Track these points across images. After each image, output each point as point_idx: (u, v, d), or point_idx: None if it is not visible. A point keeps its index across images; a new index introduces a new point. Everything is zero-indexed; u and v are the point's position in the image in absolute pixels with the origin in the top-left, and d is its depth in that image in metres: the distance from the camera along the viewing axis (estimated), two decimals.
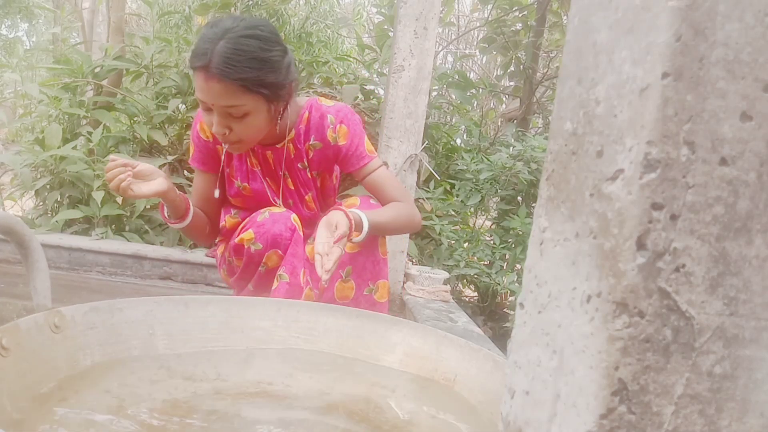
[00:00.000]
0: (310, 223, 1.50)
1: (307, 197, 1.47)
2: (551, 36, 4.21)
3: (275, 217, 1.33)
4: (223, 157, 1.42)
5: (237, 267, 1.40)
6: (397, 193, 1.39)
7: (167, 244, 2.33)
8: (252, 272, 1.38)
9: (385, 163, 1.45)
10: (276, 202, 1.45)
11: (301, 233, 1.36)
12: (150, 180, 1.24)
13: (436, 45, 2.95)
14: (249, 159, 1.42)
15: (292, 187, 1.45)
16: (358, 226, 1.24)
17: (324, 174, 1.48)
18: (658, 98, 0.34)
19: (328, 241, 1.15)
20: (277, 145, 1.40)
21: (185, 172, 2.63)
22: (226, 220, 1.52)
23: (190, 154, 1.44)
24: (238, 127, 1.23)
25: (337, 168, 1.50)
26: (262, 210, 1.37)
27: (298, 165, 1.43)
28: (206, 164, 1.42)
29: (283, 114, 1.33)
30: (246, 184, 1.44)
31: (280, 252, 1.33)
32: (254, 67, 1.18)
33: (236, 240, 1.37)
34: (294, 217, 1.36)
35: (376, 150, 2.18)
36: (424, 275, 2.02)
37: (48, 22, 9.93)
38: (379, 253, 1.40)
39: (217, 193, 1.43)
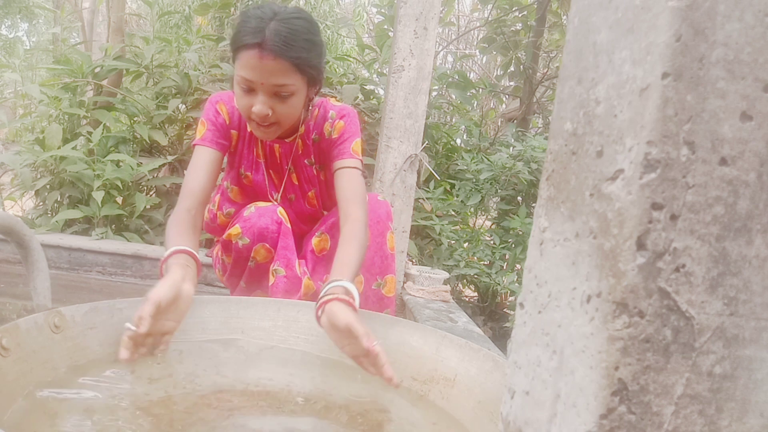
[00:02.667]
0: (310, 219, 1.51)
1: (309, 194, 1.47)
2: (551, 36, 4.21)
3: (261, 211, 1.33)
4: (234, 142, 1.42)
5: (228, 264, 1.40)
6: (355, 201, 1.29)
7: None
8: (242, 268, 1.38)
9: (364, 174, 1.41)
10: (272, 196, 1.45)
11: (288, 225, 1.35)
12: (173, 309, 0.97)
13: (436, 45, 2.95)
14: (256, 149, 1.42)
15: (296, 183, 1.45)
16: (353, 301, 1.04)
17: (326, 168, 1.48)
18: (658, 98, 0.34)
19: (357, 346, 0.93)
20: (286, 140, 1.40)
21: (185, 172, 2.63)
22: (218, 216, 1.52)
23: (200, 135, 1.36)
24: (281, 108, 1.23)
25: None
26: (248, 205, 1.37)
27: (305, 161, 1.43)
28: (218, 143, 1.37)
29: (310, 103, 1.35)
30: (249, 173, 1.44)
31: (267, 246, 1.33)
32: (306, 48, 1.20)
33: (224, 236, 1.37)
34: (280, 210, 1.35)
35: (375, 150, 2.19)
36: (424, 275, 2.02)
37: (48, 22, 9.93)
38: (387, 248, 1.41)
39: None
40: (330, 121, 1.38)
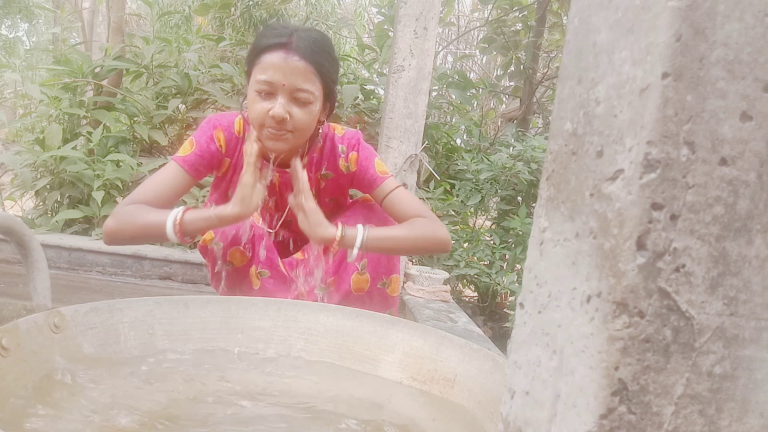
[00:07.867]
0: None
1: None
2: (551, 36, 4.22)
3: None
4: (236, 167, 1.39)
5: (209, 267, 1.41)
6: (416, 213, 1.32)
7: (167, 244, 2.33)
8: (221, 271, 1.38)
9: (404, 185, 1.41)
10: (257, 222, 1.40)
11: (264, 227, 1.35)
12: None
13: (436, 45, 2.95)
14: None
15: None
16: (350, 241, 1.20)
17: (339, 198, 1.47)
18: (658, 98, 0.34)
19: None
20: (287, 170, 1.35)
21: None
22: None
23: (184, 153, 1.30)
24: (299, 114, 1.21)
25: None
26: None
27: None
28: (197, 171, 1.31)
29: (320, 126, 1.33)
30: None
31: (241, 248, 1.32)
32: (327, 60, 1.23)
33: (200, 241, 1.37)
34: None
35: (375, 151, 2.18)
36: (424, 275, 2.02)
37: (48, 22, 9.94)
38: None
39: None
40: (342, 156, 1.37)
